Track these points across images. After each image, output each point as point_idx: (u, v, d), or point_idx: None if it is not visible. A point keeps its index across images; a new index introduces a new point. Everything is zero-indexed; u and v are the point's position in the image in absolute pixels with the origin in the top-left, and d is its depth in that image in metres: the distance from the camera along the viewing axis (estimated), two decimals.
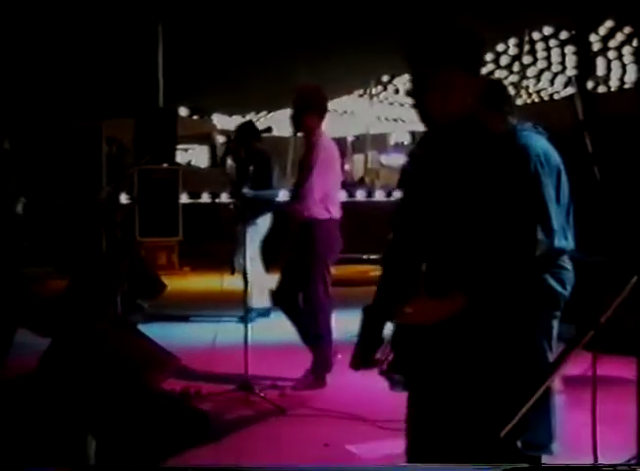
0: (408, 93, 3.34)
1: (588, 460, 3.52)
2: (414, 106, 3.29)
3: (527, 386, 3.05)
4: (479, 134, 3.23)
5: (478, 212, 3.07)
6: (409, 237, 3.32)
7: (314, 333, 7.18)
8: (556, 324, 4.71)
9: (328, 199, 7.12)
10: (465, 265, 3.08)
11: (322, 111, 7.27)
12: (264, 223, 9.66)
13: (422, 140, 3.41)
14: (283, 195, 13.82)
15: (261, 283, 9.75)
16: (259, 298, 9.75)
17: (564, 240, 4.67)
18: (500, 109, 5.05)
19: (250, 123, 10.83)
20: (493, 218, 3.05)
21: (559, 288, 4.65)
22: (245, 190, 8.89)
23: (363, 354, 3.46)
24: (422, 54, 3.19)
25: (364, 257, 14.76)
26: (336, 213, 7.21)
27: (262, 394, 6.74)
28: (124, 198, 14.85)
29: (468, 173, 3.12)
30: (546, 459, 4.75)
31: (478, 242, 3.07)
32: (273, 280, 7.81)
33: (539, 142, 4.77)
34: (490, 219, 3.05)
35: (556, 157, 4.77)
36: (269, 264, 9.90)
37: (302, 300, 7.23)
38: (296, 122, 7.23)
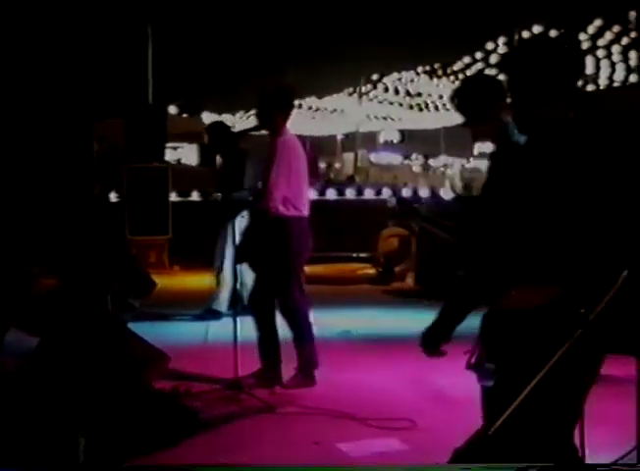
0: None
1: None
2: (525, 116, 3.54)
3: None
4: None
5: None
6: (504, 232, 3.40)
7: (295, 333, 7.17)
8: None
9: (295, 198, 7.06)
10: (563, 258, 3.19)
11: (289, 109, 7.23)
12: (241, 224, 9.64)
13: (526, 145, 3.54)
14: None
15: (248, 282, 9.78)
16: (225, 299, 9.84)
17: None
18: (495, 104, 5.06)
19: (219, 123, 10.80)
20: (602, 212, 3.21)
21: None
22: (218, 194, 9.01)
23: (438, 340, 3.50)
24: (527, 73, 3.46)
25: (354, 255, 14.78)
26: (304, 211, 7.17)
27: (252, 393, 6.73)
28: (113, 197, 14.83)
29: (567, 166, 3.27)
30: None
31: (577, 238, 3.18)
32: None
33: None
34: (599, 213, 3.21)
35: None
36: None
37: (279, 302, 7.19)
38: (263, 119, 7.20)
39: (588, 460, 3.59)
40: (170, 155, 20.39)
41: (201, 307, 10.02)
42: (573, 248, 3.18)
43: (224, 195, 10.00)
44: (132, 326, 7.26)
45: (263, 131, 7.64)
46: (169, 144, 17.76)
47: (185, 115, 25.09)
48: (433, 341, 3.49)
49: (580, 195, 3.22)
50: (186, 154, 26.80)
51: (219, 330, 8.50)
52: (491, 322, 3.38)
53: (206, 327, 8.48)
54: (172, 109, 20.59)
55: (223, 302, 9.86)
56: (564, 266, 3.18)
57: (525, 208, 3.30)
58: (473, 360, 3.46)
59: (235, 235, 8.05)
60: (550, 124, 3.41)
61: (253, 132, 7.61)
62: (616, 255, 3.20)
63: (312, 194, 7.93)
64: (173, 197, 15.19)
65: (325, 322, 7.47)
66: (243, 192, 9.28)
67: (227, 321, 8.31)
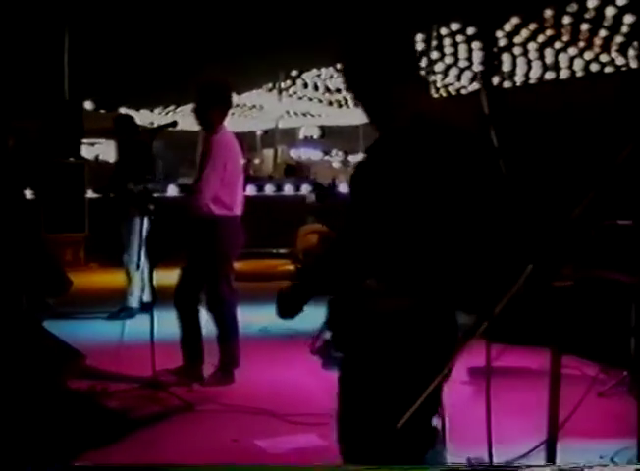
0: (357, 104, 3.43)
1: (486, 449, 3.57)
2: (368, 115, 3.38)
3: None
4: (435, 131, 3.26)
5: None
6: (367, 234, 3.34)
7: (221, 330, 7.15)
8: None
9: (227, 197, 7.04)
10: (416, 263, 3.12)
11: (226, 106, 7.18)
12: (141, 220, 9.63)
13: (374, 146, 3.39)
14: (171, 191, 13.91)
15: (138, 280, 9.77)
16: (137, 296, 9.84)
17: None
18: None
19: (125, 116, 10.74)
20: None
21: None
22: (131, 186, 9.02)
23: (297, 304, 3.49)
24: (365, 67, 3.31)
25: (274, 251, 14.77)
26: (236, 210, 7.14)
27: (170, 391, 6.68)
28: (29, 194, 14.59)
29: (429, 170, 3.14)
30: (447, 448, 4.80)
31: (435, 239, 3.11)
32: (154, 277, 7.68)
33: None
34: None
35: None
36: (155, 262, 9.89)
37: (207, 299, 7.17)
38: (200, 116, 7.15)
39: (497, 452, 3.63)
40: (87, 151, 20.12)
41: (118, 305, 9.94)
42: (424, 259, 3.12)
43: (117, 190, 9.97)
44: (46, 325, 7.15)
45: (182, 127, 7.59)
46: (86, 140, 17.54)
47: (102, 111, 24.78)
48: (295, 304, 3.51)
49: (430, 197, 3.13)
50: (103, 150, 26.47)
51: (136, 327, 8.41)
52: (341, 310, 3.35)
53: (122, 325, 8.39)
54: (88, 104, 20.30)
55: (135, 299, 9.83)
56: (417, 277, 3.13)
57: (377, 212, 3.24)
58: (317, 346, 3.45)
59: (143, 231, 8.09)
60: (397, 121, 3.28)
61: (170, 128, 7.53)
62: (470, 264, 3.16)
63: None
64: (90, 194, 15.01)
65: (244, 319, 7.44)
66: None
67: (144, 318, 8.24)
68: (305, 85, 28.07)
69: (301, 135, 32.57)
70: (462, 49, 24.04)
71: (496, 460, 3.70)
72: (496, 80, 16.11)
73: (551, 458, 3.75)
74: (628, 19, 18.75)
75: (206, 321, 7.24)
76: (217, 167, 6.96)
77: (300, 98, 28.68)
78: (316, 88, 33.15)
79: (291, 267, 13.72)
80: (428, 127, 3.26)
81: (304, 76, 27.90)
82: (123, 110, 23.50)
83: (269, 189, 17.36)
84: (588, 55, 20.53)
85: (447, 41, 24.33)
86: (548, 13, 21.23)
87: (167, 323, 7.31)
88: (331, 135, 36.22)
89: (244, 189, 14.48)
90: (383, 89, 3.29)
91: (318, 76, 32.14)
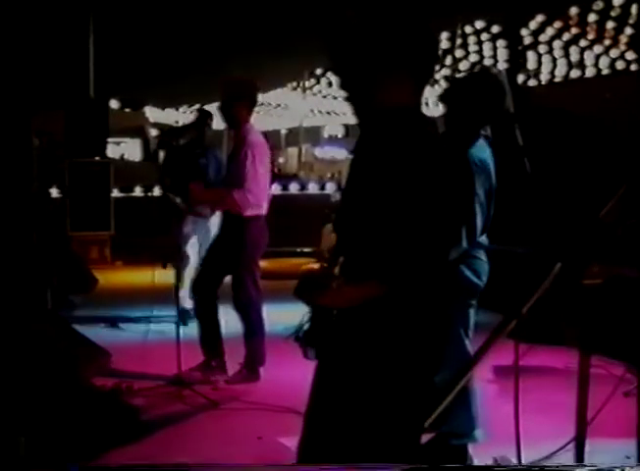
0: (341, 87, 3.33)
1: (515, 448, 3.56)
2: (349, 99, 3.29)
3: (439, 374, 3.09)
4: (412, 129, 3.19)
5: (404, 202, 3.05)
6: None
7: (247, 328, 7.16)
8: (472, 312, 4.82)
9: (258, 198, 7.03)
10: (382, 253, 3.08)
11: (252, 103, 7.16)
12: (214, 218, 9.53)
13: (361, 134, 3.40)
14: None
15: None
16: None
17: (484, 237, 4.84)
18: (494, 103, 4.85)
19: (207, 112, 10.60)
20: (418, 210, 3.04)
21: (474, 279, 4.77)
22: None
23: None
24: (366, 55, 3.17)
25: (298, 250, 14.76)
26: (264, 210, 7.14)
27: (194, 389, 6.69)
28: (55, 192, 14.67)
29: (396, 165, 3.09)
30: (471, 447, 4.80)
31: (398, 233, 3.05)
32: None
33: (481, 151, 4.85)
34: (415, 210, 3.04)
35: (491, 165, 4.89)
36: None
37: (233, 298, 7.16)
38: (225, 113, 7.13)
39: (525, 451, 3.62)
40: (113, 150, 20.20)
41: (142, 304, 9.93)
42: (392, 245, 3.06)
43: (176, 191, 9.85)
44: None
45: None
46: (111, 139, 17.61)
47: (127, 109, 24.87)
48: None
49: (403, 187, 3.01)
50: (129, 149, 26.54)
51: (161, 327, 8.44)
52: (318, 309, 3.37)
53: (147, 323, 8.42)
54: (114, 103, 20.38)
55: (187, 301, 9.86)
56: (387, 262, 3.05)
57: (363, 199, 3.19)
58: (300, 334, 3.45)
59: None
60: (388, 111, 3.18)
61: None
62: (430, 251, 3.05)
63: None
64: (115, 193, 15.07)
65: (269, 317, 7.45)
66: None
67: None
68: (330, 84, 28.03)
69: (326, 134, 32.54)
70: (487, 47, 23.95)
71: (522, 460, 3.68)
72: (521, 79, 16.03)
73: (579, 458, 3.72)
74: None
75: (230, 320, 7.25)
76: (254, 172, 6.93)
77: (325, 97, 28.66)
78: (341, 87, 33.13)
79: (316, 266, 13.69)
80: (409, 122, 3.17)
81: (329, 74, 27.90)
82: (148, 109, 23.55)
83: (294, 188, 17.35)
84: (614, 53, 20.41)
85: (471, 39, 24.25)
86: (573, 11, 21.14)
87: (193, 323, 7.33)
88: (355, 134, 36.25)
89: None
90: (368, 83, 3.19)
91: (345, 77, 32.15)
